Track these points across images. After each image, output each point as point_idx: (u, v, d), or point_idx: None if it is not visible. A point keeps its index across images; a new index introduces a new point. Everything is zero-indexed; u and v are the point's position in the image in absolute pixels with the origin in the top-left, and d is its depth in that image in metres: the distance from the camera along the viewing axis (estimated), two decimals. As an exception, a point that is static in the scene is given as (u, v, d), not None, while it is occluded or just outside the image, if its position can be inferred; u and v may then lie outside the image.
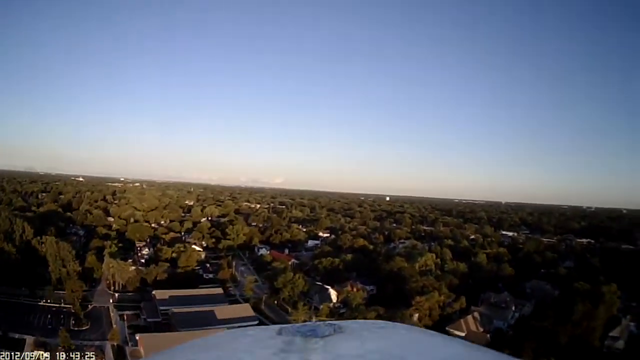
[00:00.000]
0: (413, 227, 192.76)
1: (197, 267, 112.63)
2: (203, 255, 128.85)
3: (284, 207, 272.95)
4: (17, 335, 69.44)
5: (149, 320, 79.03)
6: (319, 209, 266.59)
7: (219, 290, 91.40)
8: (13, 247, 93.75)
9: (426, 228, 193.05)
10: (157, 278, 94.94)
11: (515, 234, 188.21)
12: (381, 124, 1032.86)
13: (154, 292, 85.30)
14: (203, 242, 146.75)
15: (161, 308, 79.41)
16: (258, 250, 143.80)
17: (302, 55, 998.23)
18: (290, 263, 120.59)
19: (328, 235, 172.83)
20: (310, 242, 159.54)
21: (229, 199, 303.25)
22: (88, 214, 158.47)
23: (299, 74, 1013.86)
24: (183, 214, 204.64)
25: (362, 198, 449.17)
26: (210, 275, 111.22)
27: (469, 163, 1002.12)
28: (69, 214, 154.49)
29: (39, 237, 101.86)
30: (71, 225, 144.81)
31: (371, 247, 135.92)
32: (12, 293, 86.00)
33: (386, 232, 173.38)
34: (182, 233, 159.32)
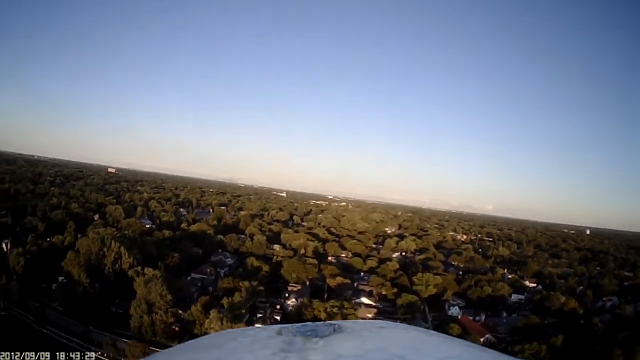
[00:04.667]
0: (616, 272, 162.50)
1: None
2: (372, 314, 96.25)
3: (491, 240, 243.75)
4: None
5: None
6: (526, 245, 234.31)
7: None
8: (87, 278, 77.13)
9: (627, 274, 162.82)
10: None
11: None
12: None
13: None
14: (383, 291, 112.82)
15: None
16: (448, 308, 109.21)
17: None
18: (482, 340, 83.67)
19: (535, 285, 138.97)
20: (514, 297, 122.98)
21: (435, 227, 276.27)
22: (248, 239, 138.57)
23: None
24: (375, 245, 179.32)
25: (566, 230, 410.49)
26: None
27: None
28: (220, 237, 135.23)
29: (138, 268, 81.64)
30: (220, 250, 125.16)
31: (581, 310, 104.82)
32: (70, 329, 70.32)
33: (593, 281, 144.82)
34: (362, 274, 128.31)
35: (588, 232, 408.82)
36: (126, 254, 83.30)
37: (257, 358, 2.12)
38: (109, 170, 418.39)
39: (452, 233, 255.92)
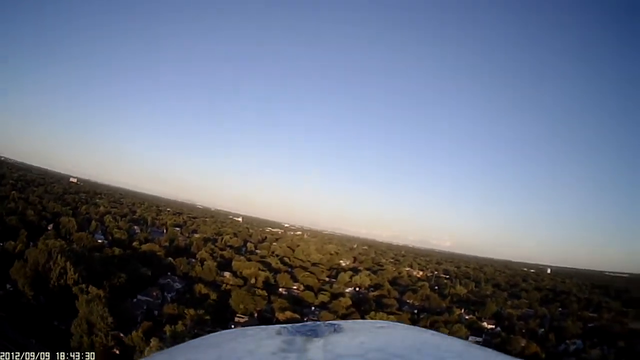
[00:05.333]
0: (579, 313, 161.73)
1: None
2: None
3: (447, 278, 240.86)
4: None
5: None
6: (484, 284, 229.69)
7: None
8: (31, 290, 76.79)
9: (592, 315, 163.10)
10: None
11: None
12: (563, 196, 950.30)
13: None
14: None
15: None
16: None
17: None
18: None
19: (493, 326, 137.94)
20: (471, 339, 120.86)
21: (391, 262, 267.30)
22: (198, 264, 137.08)
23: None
24: (328, 278, 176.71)
25: (525, 269, 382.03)
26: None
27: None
28: (170, 259, 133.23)
29: (83, 285, 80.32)
30: (169, 273, 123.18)
31: (543, 355, 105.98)
32: (12, 339, 67.06)
33: (555, 323, 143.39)
34: (313, 308, 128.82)
35: (549, 270, 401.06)
36: (71, 269, 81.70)
37: (257, 358, 2.09)
38: (71, 180, 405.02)
39: (408, 269, 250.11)
